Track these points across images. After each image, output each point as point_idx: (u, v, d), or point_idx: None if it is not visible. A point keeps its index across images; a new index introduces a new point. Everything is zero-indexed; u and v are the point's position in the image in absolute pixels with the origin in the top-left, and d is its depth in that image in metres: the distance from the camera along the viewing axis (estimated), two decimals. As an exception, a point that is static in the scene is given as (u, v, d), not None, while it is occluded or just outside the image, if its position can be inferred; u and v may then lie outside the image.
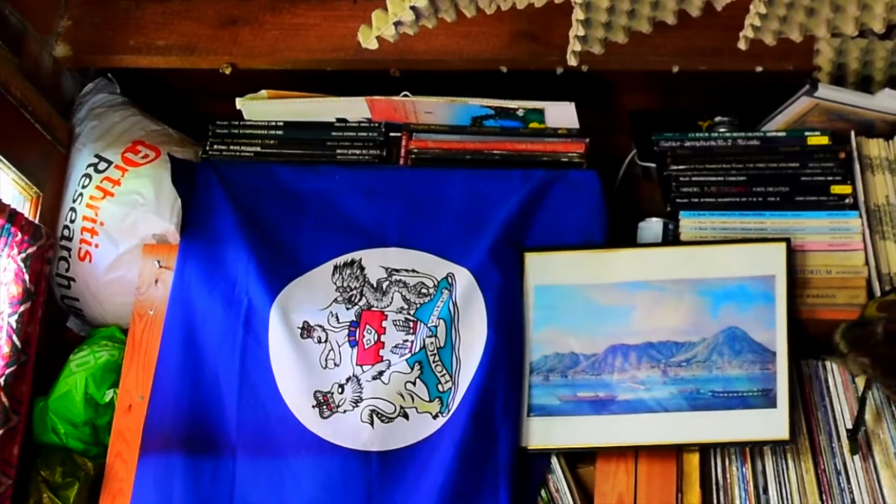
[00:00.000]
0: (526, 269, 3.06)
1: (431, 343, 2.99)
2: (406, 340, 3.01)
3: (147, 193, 3.18)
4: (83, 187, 3.20)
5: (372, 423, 2.94)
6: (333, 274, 3.09)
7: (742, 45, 2.91)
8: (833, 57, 3.05)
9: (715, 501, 2.87)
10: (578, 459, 2.96)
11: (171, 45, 3.27)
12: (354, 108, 3.23)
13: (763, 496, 2.86)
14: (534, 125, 3.19)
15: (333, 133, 3.24)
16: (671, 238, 3.08)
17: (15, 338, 2.97)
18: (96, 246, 3.17)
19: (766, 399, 2.88)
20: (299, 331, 3.03)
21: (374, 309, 3.05)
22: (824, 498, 2.84)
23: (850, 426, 2.86)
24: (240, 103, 3.25)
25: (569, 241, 3.07)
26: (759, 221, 3.03)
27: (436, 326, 3.00)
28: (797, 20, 2.90)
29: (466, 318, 3.01)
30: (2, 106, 3.05)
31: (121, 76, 3.42)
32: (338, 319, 3.04)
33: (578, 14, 2.89)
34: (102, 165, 3.22)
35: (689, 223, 3.05)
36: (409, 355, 2.99)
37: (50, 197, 3.22)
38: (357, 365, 3.00)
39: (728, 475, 2.88)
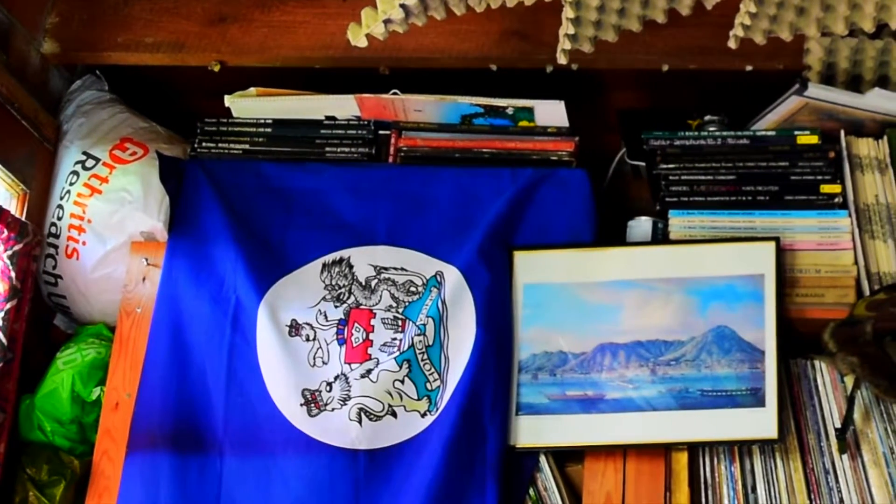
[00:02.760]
0: (515, 268, 3.05)
1: (420, 341, 2.99)
2: (394, 339, 3.00)
3: (135, 191, 3.17)
4: (71, 184, 3.19)
5: (360, 422, 2.94)
6: (322, 272, 3.09)
7: (732, 44, 2.91)
8: (823, 56, 3.05)
9: (703, 500, 2.86)
10: (567, 458, 2.96)
11: (159, 42, 3.26)
12: (343, 106, 3.22)
13: (751, 495, 2.85)
14: (523, 123, 3.18)
15: (322, 131, 3.23)
16: (660, 237, 3.08)
17: (1, 335, 2.96)
18: (84, 243, 3.16)
19: (755, 398, 2.87)
20: (287, 329, 3.02)
21: (362, 307, 3.05)
22: (813, 497, 2.84)
23: (838, 425, 2.86)
24: (228, 101, 3.24)
25: (558, 239, 3.07)
26: (748, 220, 3.02)
27: (424, 325, 3.00)
28: (787, 19, 2.90)
29: (455, 317, 3.00)
30: (-11, 102, 3.05)
31: (109, 73, 3.41)
32: (326, 317, 3.04)
33: (568, 12, 2.89)
34: (90, 163, 3.21)
35: (679, 222, 3.05)
36: (397, 353, 2.98)
37: (37, 194, 3.21)
38: (345, 363, 2.99)
39: (716, 474, 2.88)
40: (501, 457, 2.90)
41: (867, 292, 2.93)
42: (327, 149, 3.22)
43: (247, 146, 3.24)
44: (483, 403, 2.93)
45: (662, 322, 2.96)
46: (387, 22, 2.92)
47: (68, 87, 3.38)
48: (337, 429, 2.93)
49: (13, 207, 3.14)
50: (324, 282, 3.07)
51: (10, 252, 2.99)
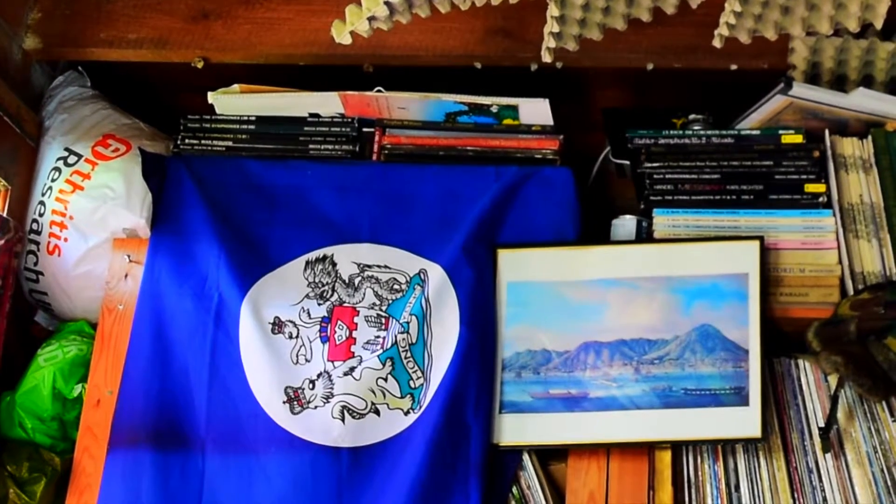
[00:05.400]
0: (499, 266, 3.05)
1: (403, 339, 2.98)
2: (378, 336, 3.00)
3: (117, 187, 3.16)
4: (52, 181, 3.18)
5: (343, 419, 2.93)
6: (305, 269, 3.08)
7: (717, 43, 2.91)
8: (808, 55, 3.05)
9: (686, 499, 2.86)
10: (550, 456, 2.95)
11: (142, 38, 3.25)
12: (327, 103, 3.21)
13: (735, 494, 2.85)
14: (507, 122, 3.18)
15: (306, 128, 3.23)
16: (644, 235, 3.08)
17: (-18, 332, 2.95)
18: (65, 240, 3.14)
19: (739, 397, 2.87)
20: (270, 326, 3.01)
21: (345, 305, 3.04)
22: (796, 496, 2.84)
23: (822, 424, 2.86)
24: (212, 97, 3.23)
25: (542, 237, 3.07)
26: (732, 219, 3.03)
27: (408, 323, 2.99)
28: (772, 18, 2.90)
29: (439, 315, 3.00)
30: (-30, 98, 3.04)
31: (91, 69, 3.39)
32: (309, 315, 3.03)
33: (553, 10, 2.89)
34: (72, 159, 3.20)
35: (663, 221, 3.05)
36: (380, 351, 2.97)
37: (18, 190, 3.19)
38: (328, 361, 2.98)
39: (700, 473, 2.88)
40: (485, 455, 2.90)
41: (851, 292, 2.93)
42: (311, 146, 3.21)
43: (230, 143, 3.23)
44: (466, 401, 2.92)
45: (646, 321, 2.96)
46: (371, 19, 2.91)
47: (50, 83, 3.37)
48: (320, 426, 2.92)
49: (-6, 204, 3.13)
50: (307, 279, 3.07)
51: (-9, 248, 2.98)
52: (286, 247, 3.10)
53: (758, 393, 2.86)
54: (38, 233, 3.16)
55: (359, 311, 3.03)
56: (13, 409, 3.05)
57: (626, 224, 3.11)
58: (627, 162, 3.18)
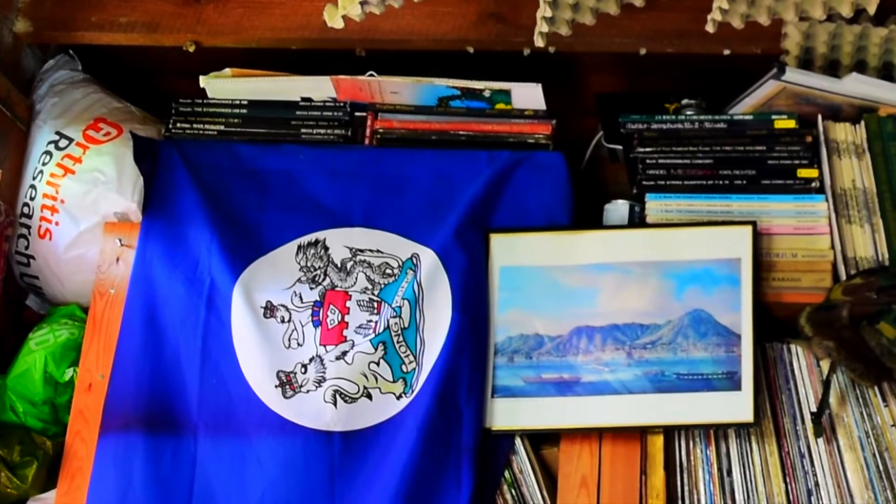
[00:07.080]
0: (491, 251, 3.05)
1: (395, 323, 2.98)
2: (370, 321, 2.99)
3: (108, 171, 3.15)
4: (43, 164, 3.17)
5: (335, 404, 2.92)
6: (297, 253, 3.07)
7: (710, 28, 2.91)
8: (801, 41, 3.05)
9: (679, 483, 2.86)
10: (542, 441, 2.95)
11: (133, 21, 3.24)
12: (319, 88, 3.21)
13: (727, 478, 2.85)
14: (500, 106, 3.18)
15: (298, 112, 3.22)
16: (637, 220, 3.08)
17: (-27, 315, 2.95)
18: (56, 224, 3.14)
19: (731, 382, 2.87)
20: (262, 310, 3.01)
21: (337, 289, 3.03)
22: (788, 480, 2.84)
23: (814, 409, 2.86)
24: (203, 81, 3.23)
25: (534, 222, 3.06)
26: (725, 204, 3.03)
27: (400, 307, 2.99)
28: (765, 3, 2.91)
29: (431, 299, 2.99)
30: (-40, 82, 3.03)
31: (82, 53, 3.39)
32: (301, 299, 3.02)
33: (546, -5, 2.89)
34: (63, 143, 3.19)
35: (655, 206, 3.04)
36: (372, 335, 2.97)
37: (9, 174, 3.18)
38: (320, 345, 2.98)
39: (692, 457, 2.88)
40: (477, 439, 2.89)
41: (843, 277, 2.93)
42: (303, 130, 3.21)
43: (222, 127, 3.23)
44: (459, 386, 2.92)
45: (639, 305, 2.96)
46: (363, 3, 2.92)
47: (41, 67, 3.36)
48: (312, 411, 2.92)
49: (-15, 187, 3.12)
50: (299, 263, 3.06)
51: (-18, 232, 2.98)
52: (278, 231, 3.10)
53: (750, 378, 2.86)
54: (30, 217, 3.16)
55: (351, 296, 3.03)
56: (4, 392, 3.04)
57: (618, 209, 3.11)
58: (620, 147, 3.18)
